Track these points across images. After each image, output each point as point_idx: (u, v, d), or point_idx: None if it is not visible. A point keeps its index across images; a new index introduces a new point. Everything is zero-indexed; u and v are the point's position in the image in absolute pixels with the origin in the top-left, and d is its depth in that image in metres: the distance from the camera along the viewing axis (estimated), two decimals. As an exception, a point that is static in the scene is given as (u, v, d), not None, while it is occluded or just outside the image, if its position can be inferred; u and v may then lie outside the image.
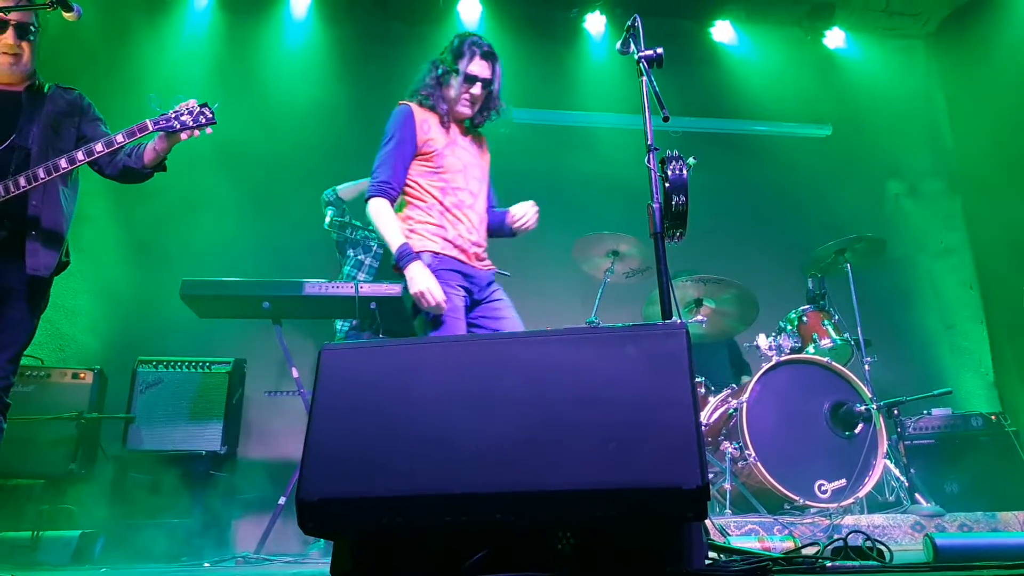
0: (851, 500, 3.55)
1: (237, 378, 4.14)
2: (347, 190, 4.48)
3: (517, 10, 6.00)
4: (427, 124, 2.97)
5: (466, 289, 2.88)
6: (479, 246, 3.01)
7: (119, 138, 2.69)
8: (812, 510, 3.50)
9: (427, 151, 2.94)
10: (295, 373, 3.85)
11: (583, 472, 1.59)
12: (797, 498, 3.50)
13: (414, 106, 3.01)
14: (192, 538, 3.56)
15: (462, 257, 2.91)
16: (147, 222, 4.90)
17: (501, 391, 1.71)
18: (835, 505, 3.50)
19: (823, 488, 3.57)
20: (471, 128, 3.14)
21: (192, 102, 2.77)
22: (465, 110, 3.03)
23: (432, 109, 3.00)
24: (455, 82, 2.99)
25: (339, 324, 4.35)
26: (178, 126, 2.72)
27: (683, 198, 2.37)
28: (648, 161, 2.44)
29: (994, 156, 5.90)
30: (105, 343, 4.73)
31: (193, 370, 3.99)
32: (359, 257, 4.41)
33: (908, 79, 6.71)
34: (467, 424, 1.69)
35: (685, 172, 2.40)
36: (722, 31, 6.30)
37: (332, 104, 5.60)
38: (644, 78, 2.55)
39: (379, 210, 2.86)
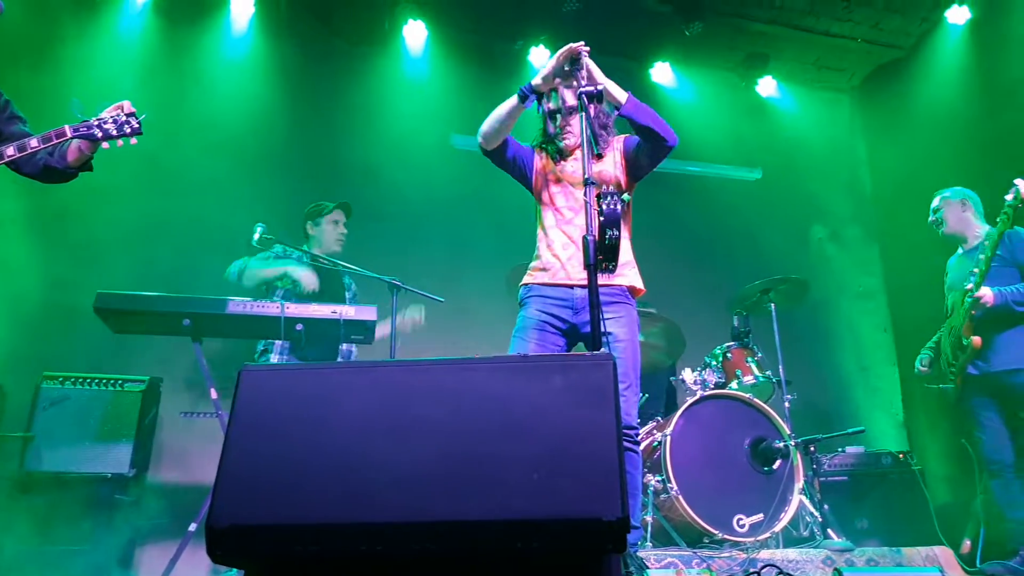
0: (767, 535, 3.61)
1: (152, 397, 3.96)
2: (256, 273, 4.20)
3: (463, 38, 6.05)
4: (538, 162, 3.15)
5: (555, 314, 2.93)
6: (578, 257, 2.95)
7: (33, 143, 2.57)
8: (730, 544, 3.54)
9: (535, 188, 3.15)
10: (214, 394, 3.71)
11: (504, 502, 1.56)
12: (716, 532, 3.54)
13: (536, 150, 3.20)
14: (92, 566, 3.36)
15: (554, 280, 2.96)
16: (63, 230, 4.69)
17: (424, 418, 1.68)
18: (752, 539, 3.55)
19: (741, 522, 3.62)
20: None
21: (118, 109, 2.67)
22: (568, 141, 3.09)
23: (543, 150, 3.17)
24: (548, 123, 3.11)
25: (261, 345, 4.20)
26: (99, 134, 2.62)
27: (616, 232, 2.41)
28: (585, 194, 2.46)
29: (909, 206, 6.19)
30: (7, 355, 4.46)
31: (104, 388, 3.79)
32: None
33: (833, 129, 7.03)
34: (388, 451, 1.65)
35: (619, 207, 2.44)
36: (661, 72, 6.47)
37: (268, 119, 5.52)
38: (583, 113, 2.58)
39: None
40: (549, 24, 5.92)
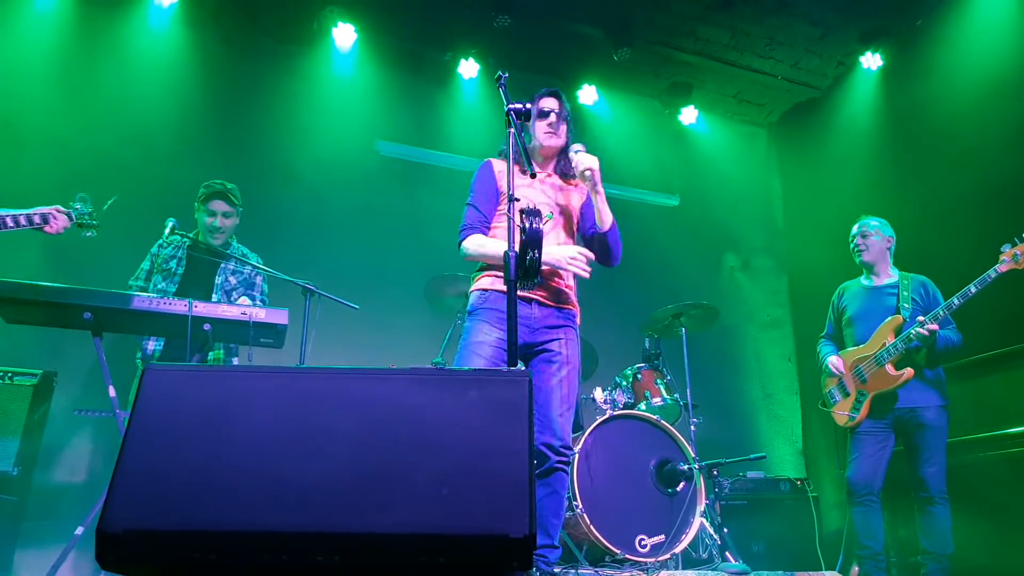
0: (668, 556, 3.68)
1: (44, 392, 3.75)
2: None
3: (393, 43, 6.01)
4: (503, 173, 3.05)
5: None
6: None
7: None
8: (631, 563, 3.60)
9: (499, 198, 3.08)
10: (112, 392, 3.54)
11: (411, 516, 1.55)
12: (618, 551, 3.59)
13: (492, 159, 3.15)
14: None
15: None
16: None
17: (334, 428, 1.65)
18: (652, 559, 3.62)
19: (643, 542, 3.68)
20: (562, 174, 3.22)
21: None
22: (552, 141, 3.15)
23: (506, 157, 3.07)
24: (534, 120, 3.13)
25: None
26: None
27: (537, 253, 2.42)
28: (508, 211, 2.47)
29: (817, 240, 6.50)
30: None
31: (-9, 379, 3.59)
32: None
33: (750, 162, 7.30)
34: (295, 459, 1.61)
35: (541, 227, 2.46)
36: (588, 94, 6.58)
37: (187, 111, 5.35)
38: (511, 129, 2.60)
39: (474, 245, 2.96)
40: (480, 38, 5.96)
